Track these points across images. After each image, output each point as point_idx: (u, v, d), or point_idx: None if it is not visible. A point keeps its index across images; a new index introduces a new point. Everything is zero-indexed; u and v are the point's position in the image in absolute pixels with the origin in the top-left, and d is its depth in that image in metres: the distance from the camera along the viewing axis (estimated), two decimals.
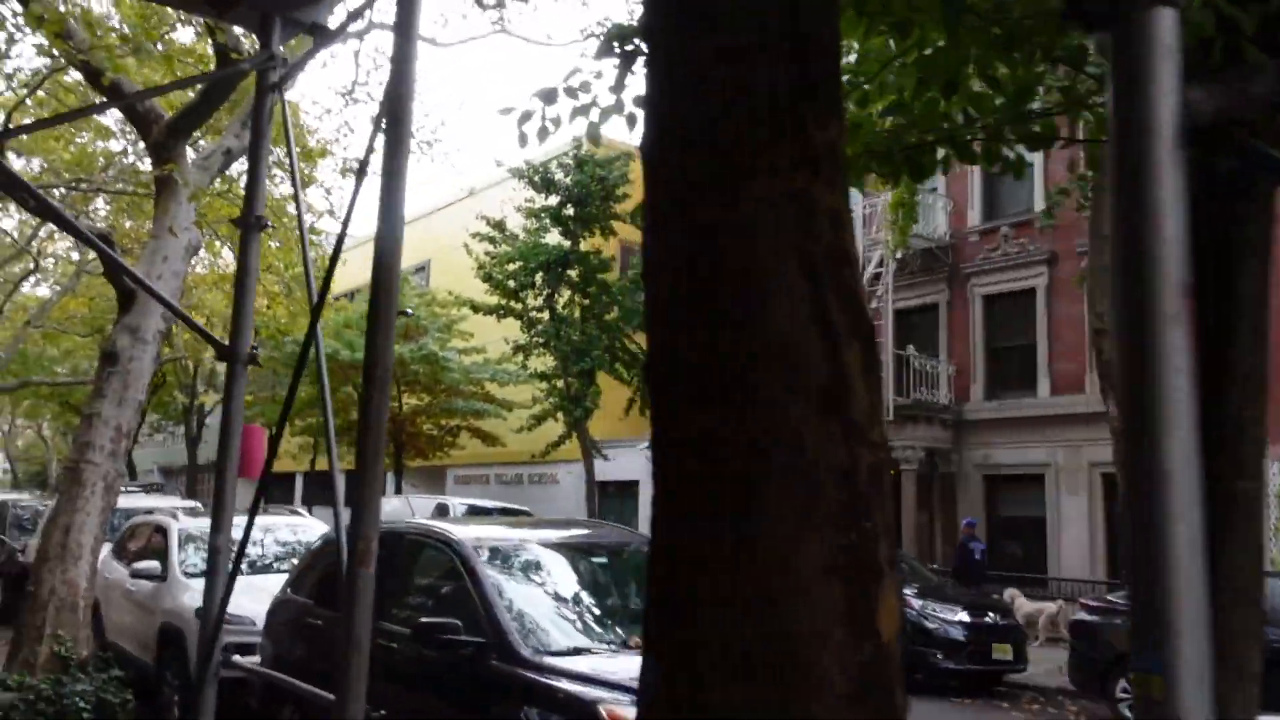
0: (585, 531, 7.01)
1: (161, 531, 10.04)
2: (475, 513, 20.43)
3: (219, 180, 12.86)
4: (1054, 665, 13.52)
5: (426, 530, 6.24)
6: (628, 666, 5.07)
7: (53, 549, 8.75)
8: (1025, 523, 19.62)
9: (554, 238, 23.57)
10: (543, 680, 4.90)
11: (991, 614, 12.75)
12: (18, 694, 7.94)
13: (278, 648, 7.15)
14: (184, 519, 10.05)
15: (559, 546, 6.26)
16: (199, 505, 13.45)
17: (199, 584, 9.13)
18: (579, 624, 5.53)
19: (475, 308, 22.95)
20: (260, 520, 11.04)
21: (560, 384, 22.97)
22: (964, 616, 12.32)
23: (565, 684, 4.83)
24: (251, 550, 9.96)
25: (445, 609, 5.71)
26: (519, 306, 22.87)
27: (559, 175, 22.59)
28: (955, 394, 20.51)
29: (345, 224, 4.07)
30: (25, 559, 15.48)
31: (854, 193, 17.59)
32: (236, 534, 10.40)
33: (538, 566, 6.00)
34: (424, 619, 5.35)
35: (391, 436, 29.74)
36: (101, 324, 35.55)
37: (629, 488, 29.20)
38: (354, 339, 27.61)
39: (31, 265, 27.48)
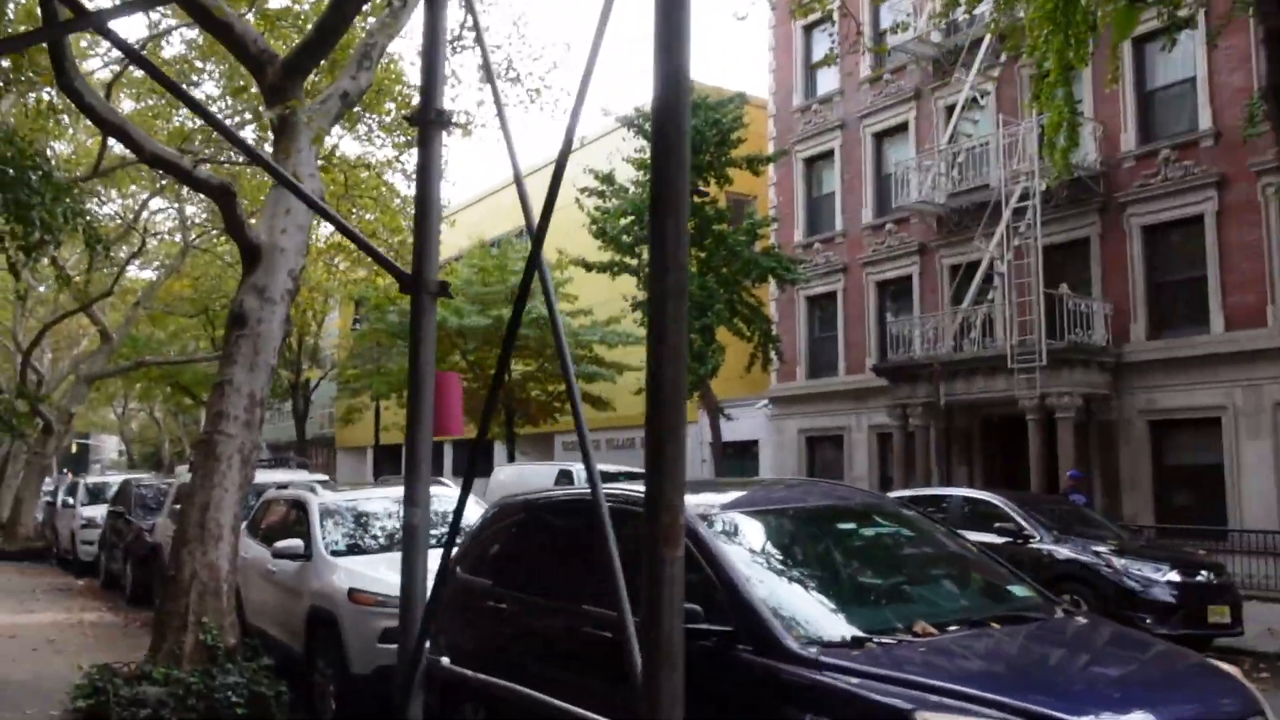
0: (810, 492, 5.91)
1: (300, 507, 9.28)
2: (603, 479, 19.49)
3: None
4: (1259, 627, 12.13)
5: (629, 498, 5.24)
6: (926, 661, 4.00)
7: (191, 530, 8.03)
8: (1197, 471, 17.98)
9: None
10: (823, 680, 3.86)
11: (1204, 572, 11.37)
12: (166, 688, 7.23)
13: (450, 635, 6.26)
14: (323, 493, 9.27)
15: (793, 514, 5.19)
16: (327, 478, 12.77)
17: (346, 563, 8.37)
18: (847, 608, 4.47)
19: (588, 265, 21.99)
20: (393, 491, 10.28)
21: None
22: (1174, 576, 10.97)
23: (856, 685, 3.78)
24: (387, 523, 9.17)
25: None
26: (634, 262, 21.81)
27: None
28: (1113, 335, 18.89)
29: (579, 103, 3.03)
30: (153, 538, 15.10)
31: (990, 122, 15.94)
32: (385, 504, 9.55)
33: (777, 538, 4.95)
34: None
35: (502, 404, 29.13)
36: (206, 304, 35.75)
37: (748, 448, 28.13)
38: (460, 305, 26.96)
39: (138, 244, 27.40)
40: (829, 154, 25.49)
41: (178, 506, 13.23)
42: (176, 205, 27.01)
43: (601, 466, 13.28)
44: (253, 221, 9.18)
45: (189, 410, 63.44)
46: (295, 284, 9.08)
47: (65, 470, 49.89)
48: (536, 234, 3.50)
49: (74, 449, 66.59)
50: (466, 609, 6.25)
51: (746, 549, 4.71)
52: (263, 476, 14.51)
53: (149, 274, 35.76)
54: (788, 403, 26.24)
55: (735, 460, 29.21)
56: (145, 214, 25.01)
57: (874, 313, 24.03)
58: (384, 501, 9.40)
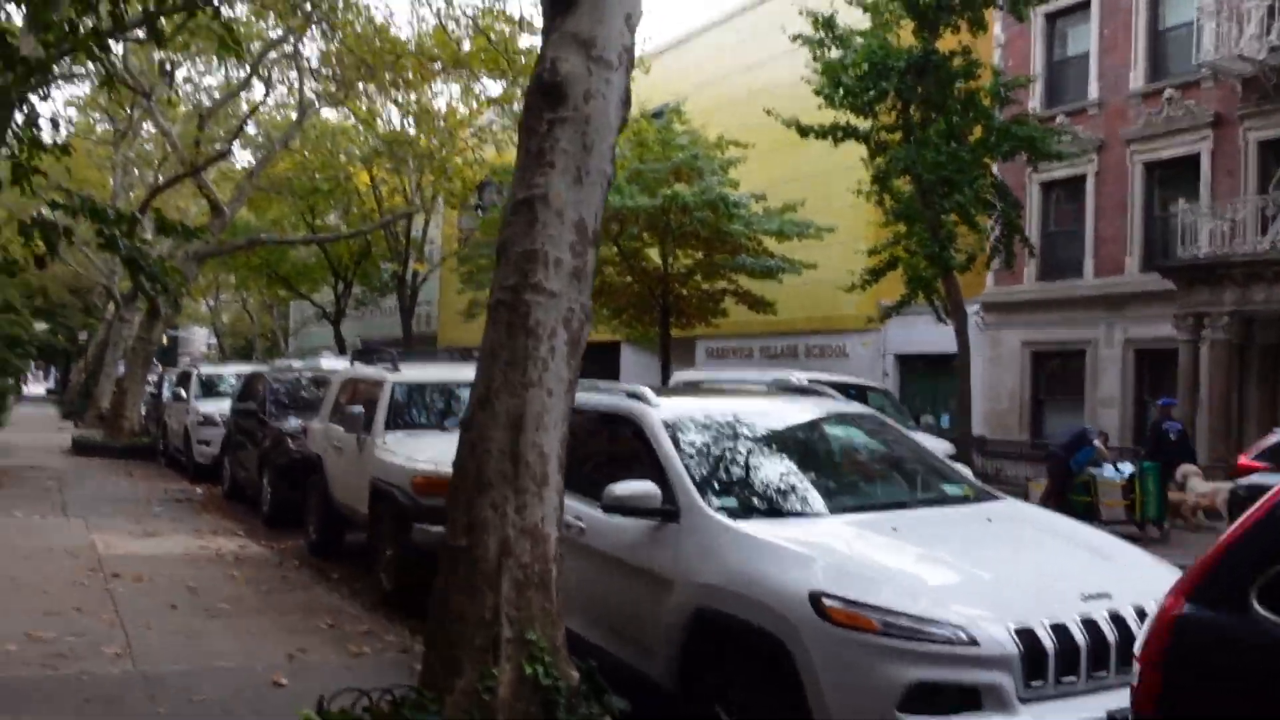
0: None
1: (628, 425, 5.53)
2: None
3: None
4: None
5: None
6: None
7: (492, 464, 4.35)
8: None
9: (898, 38, 18.14)
10: None
11: None
12: None
13: None
14: (662, 401, 5.49)
15: None
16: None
17: (769, 534, 4.59)
18: None
19: (803, 130, 17.78)
20: (721, 405, 6.39)
21: (915, 226, 17.71)
22: None
23: None
24: (803, 459, 5.43)
25: None
26: (867, 125, 17.58)
27: None
28: None
29: None
30: (303, 448, 11.69)
31: None
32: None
33: None
34: None
35: (658, 300, 25.37)
36: (310, 186, 32.38)
37: (946, 362, 23.84)
38: (620, 184, 22.98)
39: (263, 91, 23.95)
40: (1082, 6, 20.77)
41: (357, 409, 9.73)
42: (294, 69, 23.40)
43: (825, 376, 8.51)
44: None
45: (283, 303, 60.89)
46: (633, 41, 5.26)
47: (155, 361, 47.05)
48: None
49: (164, 340, 64.03)
50: None
51: None
52: (443, 373, 10.94)
53: (247, 157, 32.51)
54: (1007, 310, 22.02)
55: (925, 378, 25.20)
56: (268, 57, 21.32)
57: (1140, 201, 19.56)
58: (775, 414, 5.64)
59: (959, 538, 4.59)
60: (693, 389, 7.11)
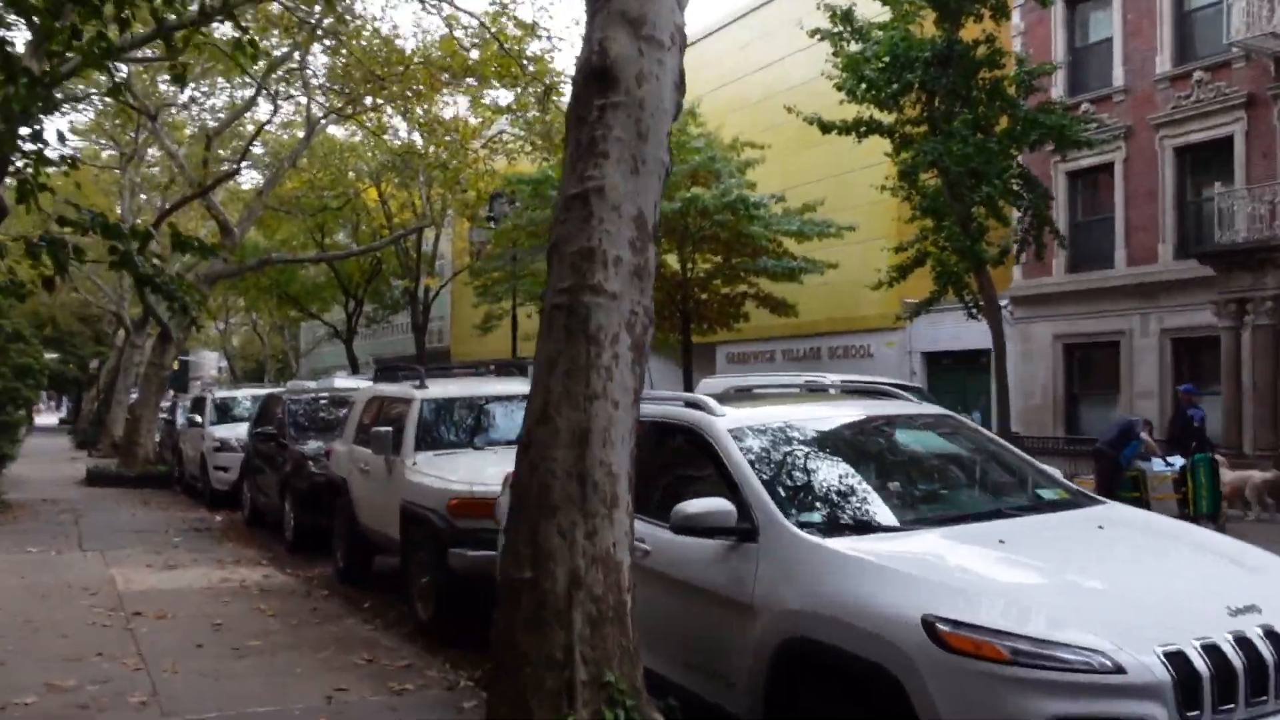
0: None
1: (689, 436, 5.07)
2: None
3: None
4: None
5: None
6: None
7: (558, 485, 3.91)
8: None
9: (919, 29, 17.69)
10: None
11: None
12: None
13: None
14: (727, 410, 5.02)
15: None
16: None
17: (856, 549, 4.12)
18: None
19: (825, 127, 17.35)
20: (786, 411, 5.87)
21: (944, 220, 17.22)
22: None
23: None
24: (817, 454, 4.98)
25: None
26: (891, 119, 17.13)
27: None
28: None
29: None
30: (327, 470, 11.26)
31: None
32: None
33: None
34: None
35: (678, 306, 24.94)
36: (319, 204, 32.01)
37: (975, 358, 23.32)
38: None
39: (269, 110, 23.57)
40: None
41: (384, 430, 9.28)
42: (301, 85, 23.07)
43: (826, 376, 7.82)
44: None
45: (294, 324, 60.55)
46: (684, 20, 4.84)
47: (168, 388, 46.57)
48: None
49: (175, 365, 63.64)
50: None
51: None
52: (472, 388, 10.50)
53: (256, 176, 32.19)
54: (1037, 303, 21.51)
55: (956, 375, 24.67)
56: (275, 73, 20.96)
57: (1172, 187, 19.06)
58: (846, 419, 5.18)
59: (1075, 548, 4.13)
60: (745, 394, 6.59)
